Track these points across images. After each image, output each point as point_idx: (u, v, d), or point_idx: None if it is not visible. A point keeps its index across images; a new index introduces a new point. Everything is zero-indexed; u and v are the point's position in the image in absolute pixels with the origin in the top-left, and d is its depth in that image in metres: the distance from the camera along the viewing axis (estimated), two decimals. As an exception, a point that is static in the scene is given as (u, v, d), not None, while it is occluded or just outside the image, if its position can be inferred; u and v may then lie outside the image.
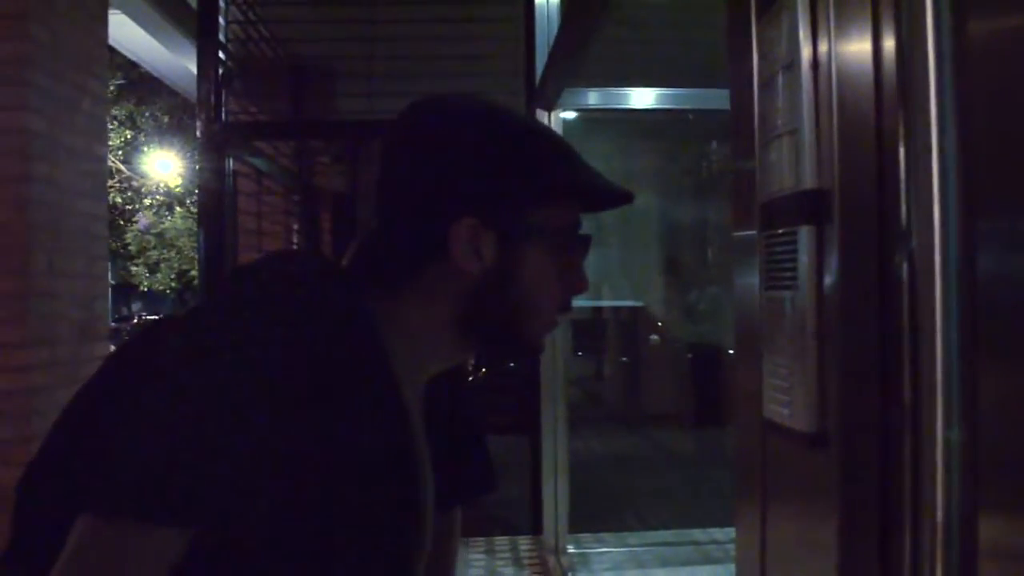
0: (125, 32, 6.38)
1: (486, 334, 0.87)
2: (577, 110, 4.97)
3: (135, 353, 0.88)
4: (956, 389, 0.80)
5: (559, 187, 0.87)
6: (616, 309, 8.81)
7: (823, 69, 1.13)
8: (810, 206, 1.14)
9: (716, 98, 4.51)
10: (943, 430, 0.80)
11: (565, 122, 4.83)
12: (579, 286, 0.89)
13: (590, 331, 8.88)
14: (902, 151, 0.89)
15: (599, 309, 8.63)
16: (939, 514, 0.82)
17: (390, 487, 0.81)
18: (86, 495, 0.71)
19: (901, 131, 0.90)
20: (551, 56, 4.23)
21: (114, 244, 20.59)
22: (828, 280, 1.12)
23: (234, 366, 0.74)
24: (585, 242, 0.90)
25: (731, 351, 1.62)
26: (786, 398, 1.22)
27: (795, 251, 1.18)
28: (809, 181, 1.14)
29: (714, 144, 7.47)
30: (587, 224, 0.91)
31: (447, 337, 0.87)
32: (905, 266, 0.88)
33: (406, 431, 0.84)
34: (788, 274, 1.21)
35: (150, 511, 0.70)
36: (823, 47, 1.13)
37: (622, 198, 0.89)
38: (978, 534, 0.80)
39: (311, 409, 0.74)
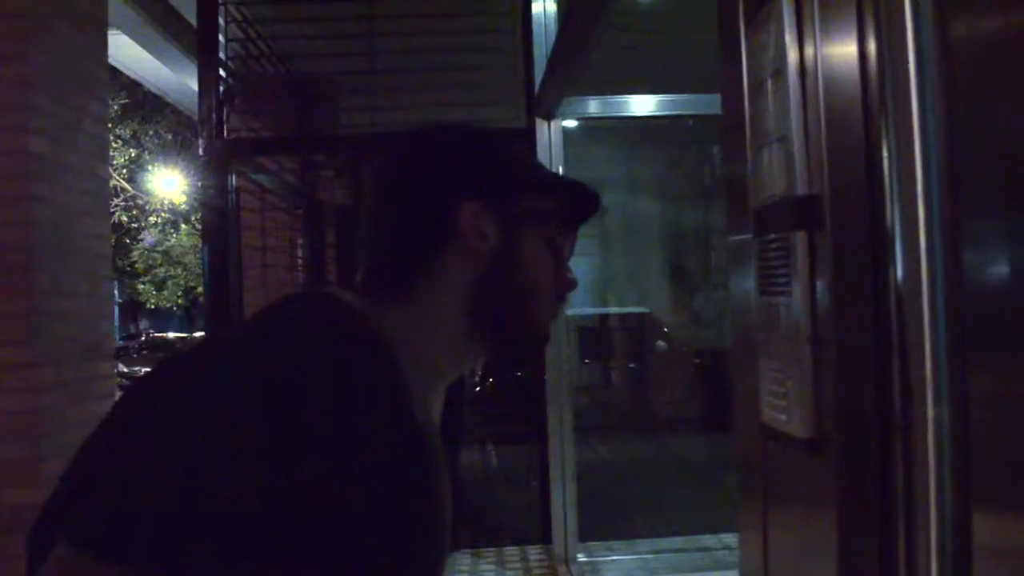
0: (127, 52, 6.43)
1: (495, 320, 0.94)
2: (577, 119, 4.97)
3: (140, 397, 0.90)
4: (945, 389, 0.80)
5: (545, 181, 1.00)
6: (622, 316, 8.81)
7: (810, 75, 1.13)
8: (801, 212, 1.14)
9: (716, 103, 4.49)
10: (933, 419, 0.80)
11: (566, 131, 4.83)
12: (570, 281, 0.99)
13: (596, 338, 8.87)
14: (885, 154, 0.89)
15: (605, 316, 8.63)
16: (932, 513, 0.82)
17: (406, 526, 0.83)
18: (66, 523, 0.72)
19: (885, 134, 0.90)
20: (549, 65, 4.25)
21: (121, 262, 20.67)
22: (821, 285, 1.12)
23: (219, 411, 0.75)
24: (573, 229, 0.99)
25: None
26: (783, 403, 1.22)
27: (788, 257, 1.18)
28: (800, 187, 1.15)
29: (715, 149, 7.48)
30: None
31: (459, 332, 0.93)
32: (892, 268, 0.88)
33: (424, 463, 0.86)
34: (782, 279, 1.21)
35: (107, 550, 0.70)
36: (809, 53, 1.13)
37: (593, 198, 1.01)
38: (972, 532, 0.80)
39: (305, 455, 0.75)
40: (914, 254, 0.85)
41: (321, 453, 0.75)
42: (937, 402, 0.81)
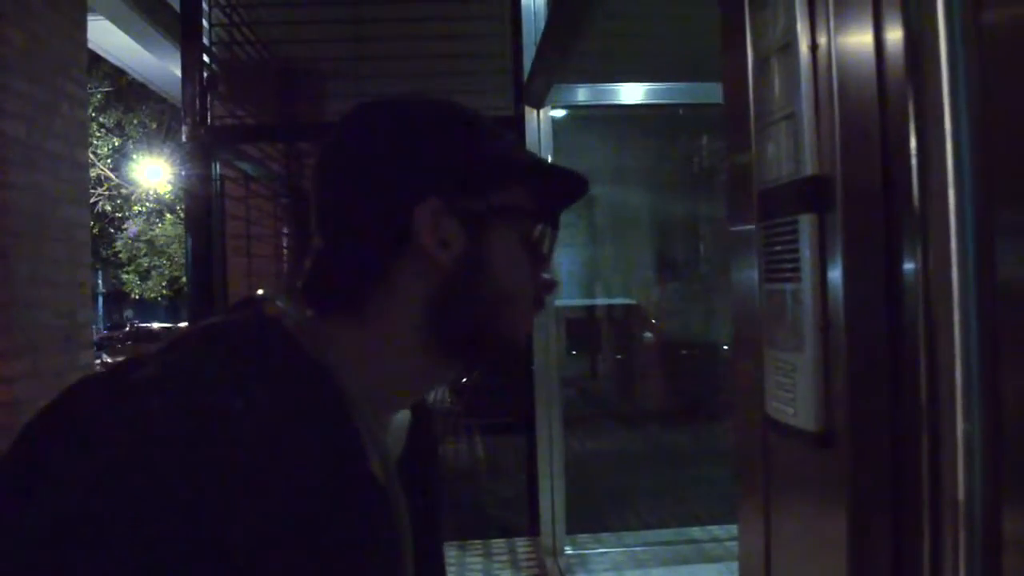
0: (110, 39, 6.32)
1: (462, 338, 0.78)
2: (566, 107, 4.91)
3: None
4: (976, 383, 0.75)
5: (518, 164, 0.82)
6: (609, 307, 8.77)
7: (822, 49, 1.07)
8: (811, 193, 1.09)
9: (707, 92, 4.47)
10: (962, 424, 0.74)
11: (554, 120, 4.77)
12: (548, 283, 0.83)
13: (584, 330, 8.83)
14: (912, 133, 0.83)
15: (592, 308, 8.59)
16: (961, 510, 0.76)
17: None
18: None
19: (911, 112, 0.85)
20: (538, 52, 4.18)
21: (105, 252, 20.54)
22: (832, 270, 1.07)
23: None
24: (552, 227, 0.83)
25: (725, 347, 1.57)
26: (790, 395, 1.17)
27: (796, 241, 1.12)
28: (809, 167, 1.09)
29: (705, 139, 7.44)
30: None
31: (421, 352, 0.78)
32: (919, 255, 0.83)
33: (387, 526, 0.76)
34: (789, 265, 1.15)
35: None
36: (822, 26, 1.08)
37: (580, 184, 0.84)
38: (1002, 527, 0.75)
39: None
40: (942, 239, 0.79)
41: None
42: (966, 394, 0.76)
